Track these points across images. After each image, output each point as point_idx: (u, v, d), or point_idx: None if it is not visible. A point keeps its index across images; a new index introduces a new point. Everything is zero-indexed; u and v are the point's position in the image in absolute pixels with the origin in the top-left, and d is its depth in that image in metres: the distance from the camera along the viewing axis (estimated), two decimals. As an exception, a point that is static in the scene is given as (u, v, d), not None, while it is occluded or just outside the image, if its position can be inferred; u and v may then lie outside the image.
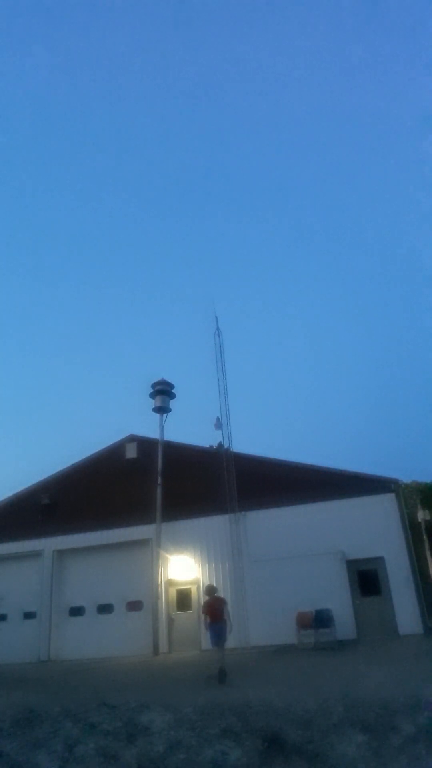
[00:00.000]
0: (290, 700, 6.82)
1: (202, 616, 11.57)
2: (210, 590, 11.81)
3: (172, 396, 20.96)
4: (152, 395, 20.72)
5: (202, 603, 12.82)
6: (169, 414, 20.67)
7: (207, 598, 11.71)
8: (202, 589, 17.24)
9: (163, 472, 19.10)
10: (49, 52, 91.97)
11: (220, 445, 19.67)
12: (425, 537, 22.10)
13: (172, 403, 20.90)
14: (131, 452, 20.53)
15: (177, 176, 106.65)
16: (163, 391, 20.68)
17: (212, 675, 10.03)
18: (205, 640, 13.98)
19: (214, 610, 11.02)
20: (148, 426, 21.93)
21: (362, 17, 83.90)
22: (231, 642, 14.03)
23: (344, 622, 15.50)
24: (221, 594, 13.33)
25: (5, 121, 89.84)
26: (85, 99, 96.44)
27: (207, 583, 16.19)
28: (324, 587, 16.12)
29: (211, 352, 20.45)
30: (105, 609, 18.67)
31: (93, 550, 19.24)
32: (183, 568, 17.98)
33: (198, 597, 17.40)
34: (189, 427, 24.74)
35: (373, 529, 16.39)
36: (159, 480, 18.95)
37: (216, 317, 20.99)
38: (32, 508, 20.45)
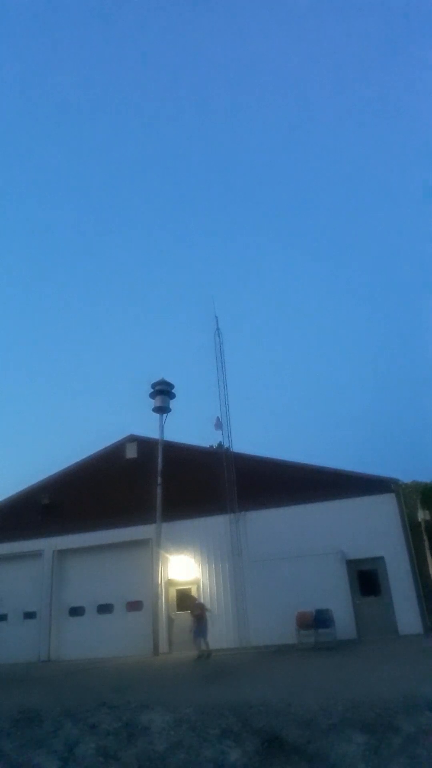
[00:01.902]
0: (290, 700, 6.82)
1: (192, 618, 15.70)
2: (193, 599, 16.39)
3: (172, 396, 20.94)
4: (152, 395, 20.71)
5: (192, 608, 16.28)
6: (169, 414, 20.67)
7: (198, 607, 15.90)
8: (201, 590, 17.45)
9: (163, 472, 19.10)
10: (48, 57, 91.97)
11: (220, 445, 19.68)
12: (425, 537, 22.08)
13: (172, 403, 20.90)
14: (131, 452, 20.53)
15: (177, 175, 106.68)
16: (163, 391, 20.67)
17: (202, 655, 14.62)
18: (204, 640, 15.92)
19: (197, 613, 15.50)
20: (148, 426, 21.94)
21: (365, 19, 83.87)
22: (231, 642, 16.29)
23: (344, 622, 15.50)
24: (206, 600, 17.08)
25: (9, 124, 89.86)
26: (86, 100, 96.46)
27: (207, 583, 17.39)
28: (324, 587, 16.12)
29: (211, 352, 20.46)
30: (105, 609, 18.67)
31: (93, 550, 19.24)
32: (183, 568, 17.99)
33: (199, 597, 17.43)
34: (189, 427, 24.75)
35: (373, 529, 16.40)
36: (159, 480, 18.95)
37: (216, 317, 21.02)
38: (32, 508, 20.45)
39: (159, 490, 18.80)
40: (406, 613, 15.40)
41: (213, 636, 16.55)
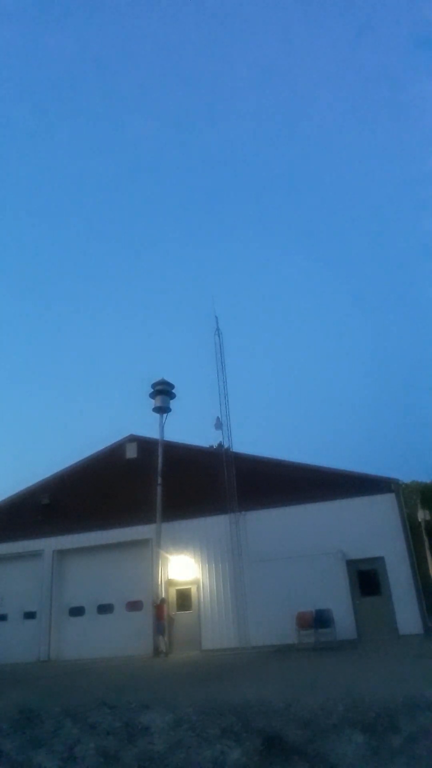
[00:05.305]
0: (290, 700, 6.81)
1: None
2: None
3: (172, 396, 20.93)
4: (152, 395, 20.70)
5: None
6: (169, 414, 20.67)
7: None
8: (201, 590, 17.46)
9: (163, 472, 19.09)
10: (44, 60, 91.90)
11: (220, 445, 19.66)
12: (425, 537, 22.12)
13: (172, 403, 20.89)
14: (131, 452, 20.52)
15: (177, 174, 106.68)
16: (163, 391, 20.65)
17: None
18: (206, 640, 16.83)
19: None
20: (148, 426, 21.93)
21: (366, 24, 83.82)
22: (231, 642, 16.32)
23: (344, 622, 15.50)
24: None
25: (8, 129, 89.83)
26: (85, 103, 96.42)
27: (207, 583, 17.54)
28: (324, 587, 16.11)
29: (212, 351, 20.46)
30: (105, 609, 18.67)
31: (93, 550, 19.24)
32: (183, 568, 17.98)
33: (199, 597, 17.47)
34: (189, 427, 24.73)
35: (373, 529, 16.39)
36: (159, 480, 18.94)
37: (216, 317, 21.01)
38: (32, 508, 20.45)
39: (159, 490, 18.79)
40: (406, 613, 15.39)
41: (213, 636, 16.63)
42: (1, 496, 21.76)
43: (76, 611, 19.00)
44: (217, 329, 20.68)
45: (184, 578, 17.95)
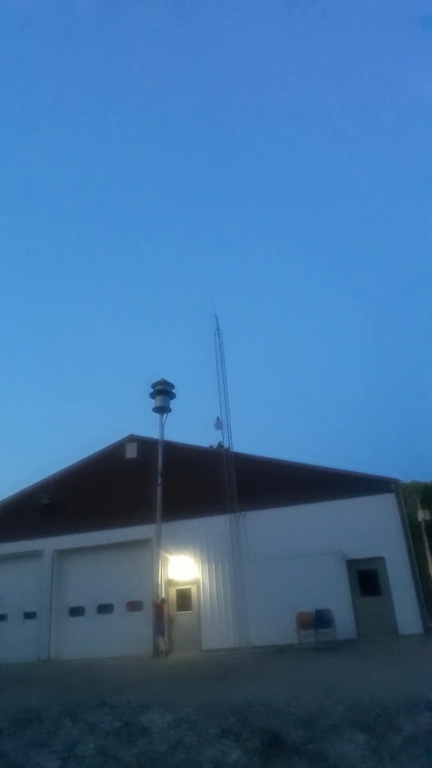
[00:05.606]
0: (290, 700, 6.82)
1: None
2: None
3: (172, 396, 20.94)
4: (152, 395, 20.71)
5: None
6: (169, 414, 20.68)
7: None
8: (201, 590, 17.46)
9: (163, 472, 19.10)
10: (45, 61, 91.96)
11: (220, 445, 19.66)
12: (425, 537, 22.08)
13: (172, 403, 20.89)
14: (131, 452, 20.52)
15: (177, 174, 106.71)
16: (163, 391, 20.66)
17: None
18: (206, 640, 16.82)
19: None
20: (148, 426, 21.92)
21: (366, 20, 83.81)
22: (231, 642, 16.35)
23: (344, 622, 15.50)
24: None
25: (7, 127, 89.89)
26: (84, 100, 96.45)
27: (207, 583, 17.52)
28: (324, 587, 16.11)
29: (212, 351, 20.47)
30: (105, 609, 18.66)
31: (93, 550, 19.23)
32: (183, 568, 17.98)
33: (199, 597, 17.47)
34: (189, 427, 24.73)
35: (373, 529, 16.39)
36: (159, 480, 18.95)
37: (216, 317, 21.03)
38: (32, 508, 20.44)
39: (159, 490, 18.80)
40: (406, 613, 15.38)
41: (213, 636, 16.63)
42: (1, 496, 21.79)
43: (76, 611, 18.99)
44: (217, 329, 20.72)
45: (184, 578, 17.95)
